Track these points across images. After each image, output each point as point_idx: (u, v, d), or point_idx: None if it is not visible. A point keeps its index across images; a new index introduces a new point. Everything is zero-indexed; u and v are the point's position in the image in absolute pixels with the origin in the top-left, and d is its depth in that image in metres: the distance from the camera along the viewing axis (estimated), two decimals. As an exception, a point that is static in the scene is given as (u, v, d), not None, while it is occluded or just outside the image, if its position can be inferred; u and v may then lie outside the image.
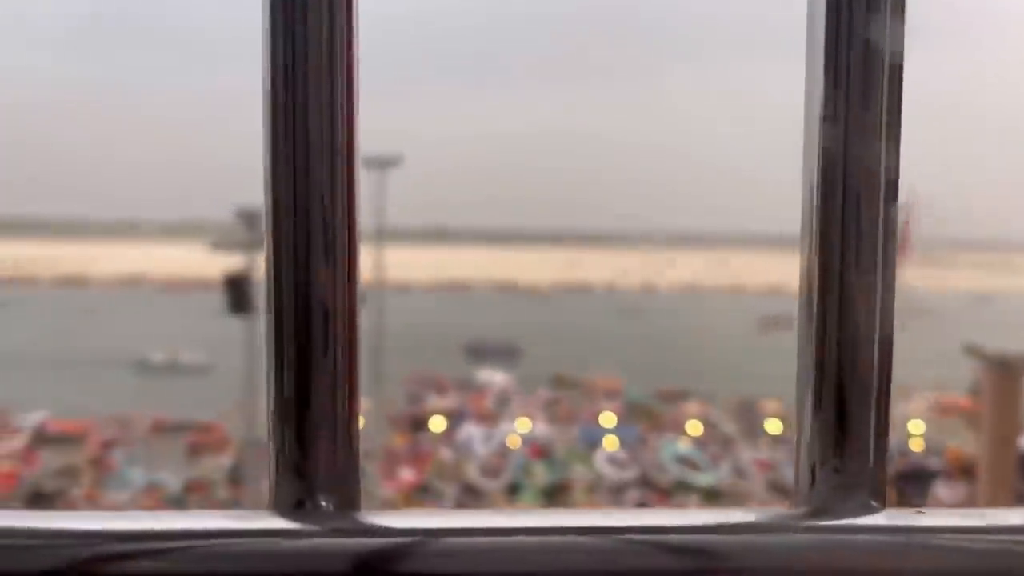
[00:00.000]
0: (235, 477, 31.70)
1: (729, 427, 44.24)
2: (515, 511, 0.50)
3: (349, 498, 0.52)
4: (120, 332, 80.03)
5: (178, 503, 28.90)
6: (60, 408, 42.61)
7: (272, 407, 0.51)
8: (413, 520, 0.51)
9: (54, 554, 0.47)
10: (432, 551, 0.48)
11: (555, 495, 32.90)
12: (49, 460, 35.28)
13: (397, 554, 0.48)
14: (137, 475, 34.03)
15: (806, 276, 0.53)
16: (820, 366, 0.58)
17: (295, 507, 0.51)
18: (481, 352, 69.82)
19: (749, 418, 44.96)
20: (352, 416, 0.52)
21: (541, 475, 35.22)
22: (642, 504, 29.96)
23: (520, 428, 42.32)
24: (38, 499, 30.82)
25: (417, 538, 0.49)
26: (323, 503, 0.51)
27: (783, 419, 44.07)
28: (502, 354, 68.58)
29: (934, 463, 28.98)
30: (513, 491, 33.72)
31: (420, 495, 32.03)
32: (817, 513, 0.57)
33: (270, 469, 0.52)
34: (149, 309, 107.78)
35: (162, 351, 60.68)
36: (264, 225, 0.50)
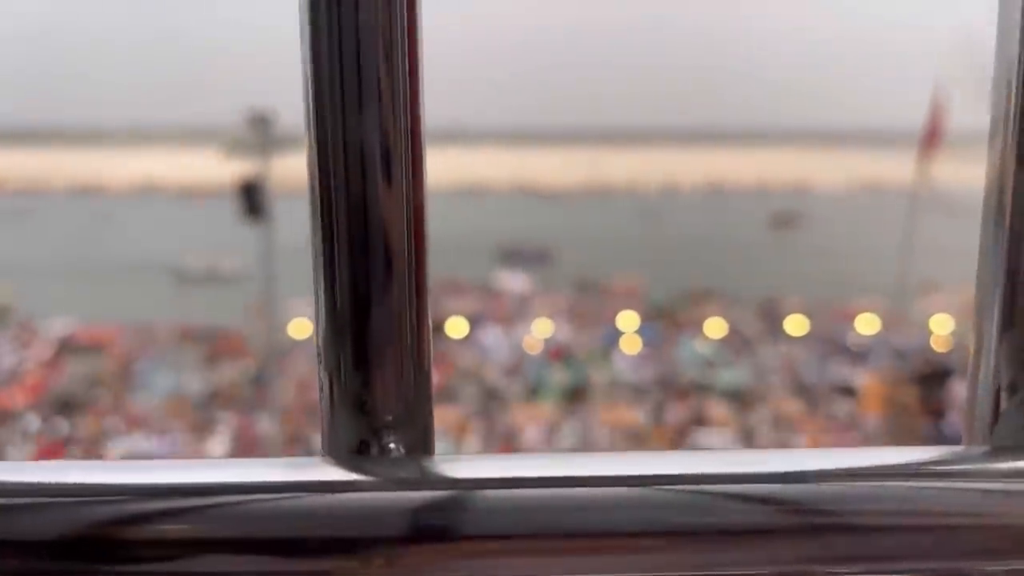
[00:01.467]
0: (260, 382, 32.42)
1: (751, 326, 44.44)
2: (589, 456, 0.43)
3: (422, 438, 0.45)
4: (149, 239, 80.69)
5: (204, 408, 29.68)
6: (96, 317, 43.41)
7: (322, 326, 0.43)
8: (492, 466, 0.43)
9: (69, 515, 0.40)
10: (516, 504, 0.41)
11: (575, 397, 33.42)
12: (75, 368, 36.16)
13: (477, 510, 0.41)
14: (162, 381, 34.87)
15: (997, 171, 0.46)
16: (1011, 275, 0.47)
17: (356, 451, 0.44)
18: (512, 256, 70.00)
19: (771, 317, 45.04)
20: (422, 333, 0.45)
21: (561, 377, 35.71)
22: (662, 403, 30.39)
23: (540, 331, 42.72)
24: (64, 407, 31.77)
25: (500, 490, 0.42)
26: (390, 445, 0.44)
27: (806, 318, 44.17)
28: (533, 258, 68.73)
29: (956, 362, 29.10)
30: (533, 393, 34.28)
31: (441, 398, 32.68)
32: (1001, 453, 0.47)
33: (322, 403, 0.44)
34: (171, 215, 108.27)
35: (199, 258, 60.89)
36: (306, 126, 0.41)
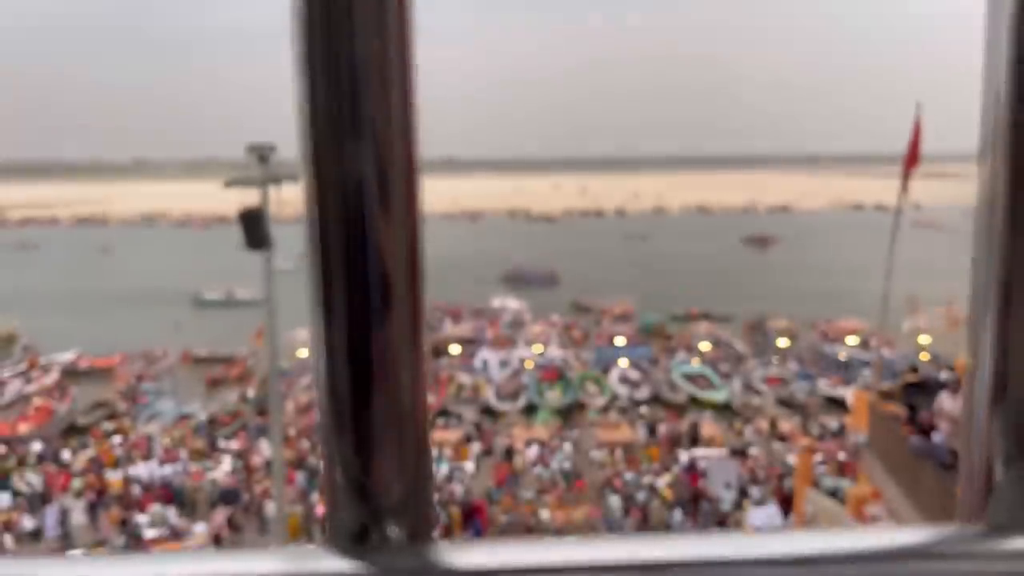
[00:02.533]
0: (261, 408, 32.28)
1: (741, 344, 44.52)
2: (595, 541, 0.41)
3: (423, 523, 0.42)
4: (158, 268, 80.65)
5: (207, 433, 29.50)
6: (102, 345, 43.28)
7: (323, 408, 0.41)
8: (494, 554, 0.41)
9: None
10: None
11: (570, 415, 33.32)
12: (80, 395, 35.96)
13: None
14: (167, 407, 34.71)
15: (988, 188, 0.42)
16: (1002, 339, 0.43)
17: (357, 538, 0.41)
18: (519, 279, 70.30)
19: (760, 335, 45.13)
20: (421, 414, 0.42)
21: (556, 396, 35.66)
22: (655, 421, 30.28)
23: (536, 352, 42.73)
24: (71, 432, 31.55)
25: None
26: (391, 532, 0.41)
27: (791, 336, 44.28)
28: (541, 281, 68.94)
29: (943, 375, 29.08)
30: (529, 412, 34.19)
31: (440, 418, 32.53)
32: (997, 532, 0.43)
33: (325, 489, 0.42)
34: (179, 244, 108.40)
35: (216, 287, 60.59)
36: (303, 164, 0.41)
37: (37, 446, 27.69)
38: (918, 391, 13.06)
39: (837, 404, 34.05)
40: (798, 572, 0.40)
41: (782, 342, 43.53)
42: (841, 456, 22.64)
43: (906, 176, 13.80)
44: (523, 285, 67.98)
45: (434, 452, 25.60)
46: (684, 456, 25.47)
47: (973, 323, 0.43)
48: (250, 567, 0.39)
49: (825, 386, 36.84)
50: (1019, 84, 0.41)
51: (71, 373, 40.43)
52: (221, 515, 20.13)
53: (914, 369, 15.17)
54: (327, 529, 0.42)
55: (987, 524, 0.43)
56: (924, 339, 40.50)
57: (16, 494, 21.69)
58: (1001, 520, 0.43)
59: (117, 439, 28.92)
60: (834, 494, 19.12)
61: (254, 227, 13.35)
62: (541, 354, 42.32)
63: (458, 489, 22.19)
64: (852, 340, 42.21)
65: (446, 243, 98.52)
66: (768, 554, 0.40)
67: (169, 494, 21.72)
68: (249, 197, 14.13)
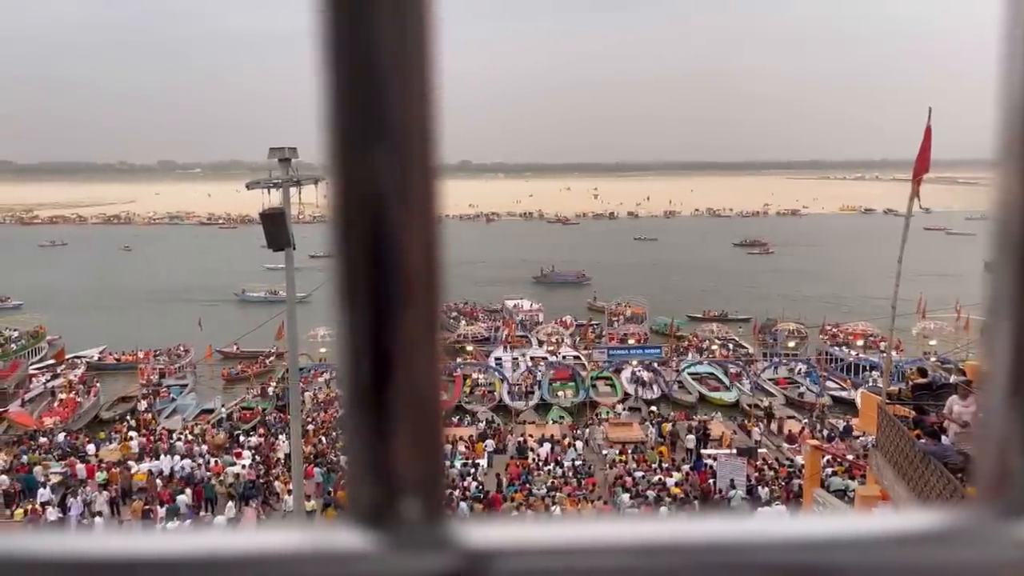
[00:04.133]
0: (281, 405, 32.40)
1: (750, 346, 44.26)
2: (608, 520, 0.42)
3: (435, 502, 0.43)
4: (210, 268, 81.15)
5: (228, 429, 29.61)
6: (129, 341, 43.51)
7: (346, 393, 0.43)
8: (506, 532, 0.42)
9: None
10: (534, 570, 0.40)
11: (581, 413, 33.24)
12: (105, 390, 36.19)
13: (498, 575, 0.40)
14: (190, 403, 34.91)
15: (1005, 197, 0.42)
16: (1020, 327, 0.42)
17: (375, 514, 0.43)
18: (549, 281, 70.45)
19: (770, 337, 44.86)
20: (434, 396, 0.43)
21: (568, 395, 35.59)
22: (662, 420, 30.15)
23: (550, 352, 42.66)
24: (96, 425, 31.77)
25: (515, 558, 0.41)
26: (408, 509, 0.43)
27: (800, 337, 43.99)
28: (571, 282, 69.05)
29: (952, 378, 28.81)
30: (542, 410, 34.15)
31: (454, 415, 32.52)
32: (1012, 517, 0.43)
33: (348, 468, 0.44)
34: (206, 243, 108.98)
35: (258, 285, 61.02)
36: (327, 167, 0.41)
37: (61, 439, 27.89)
38: (927, 393, 12.91)
39: (846, 405, 33.79)
40: (808, 554, 0.40)
41: (792, 344, 43.25)
42: (849, 457, 22.46)
43: (916, 181, 13.66)
44: (554, 285, 68.46)
45: (448, 448, 25.58)
46: (695, 456, 25.35)
47: (990, 320, 0.43)
48: (273, 541, 0.41)
49: (834, 387, 36.58)
50: None
51: (96, 368, 40.75)
52: (251, 513, 20.19)
53: (923, 372, 15.00)
54: (348, 506, 0.44)
55: (1002, 509, 0.43)
56: (933, 342, 40.14)
57: (42, 486, 21.84)
58: (1016, 506, 0.42)
59: (140, 432, 29.07)
60: (842, 494, 18.97)
61: (275, 227, 13.37)
62: (554, 353, 42.29)
63: (472, 485, 22.17)
64: (861, 343, 41.90)
65: (463, 244, 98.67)
66: (778, 536, 0.41)
67: (199, 489, 21.80)
68: (271, 199, 14.17)
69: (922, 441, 11.02)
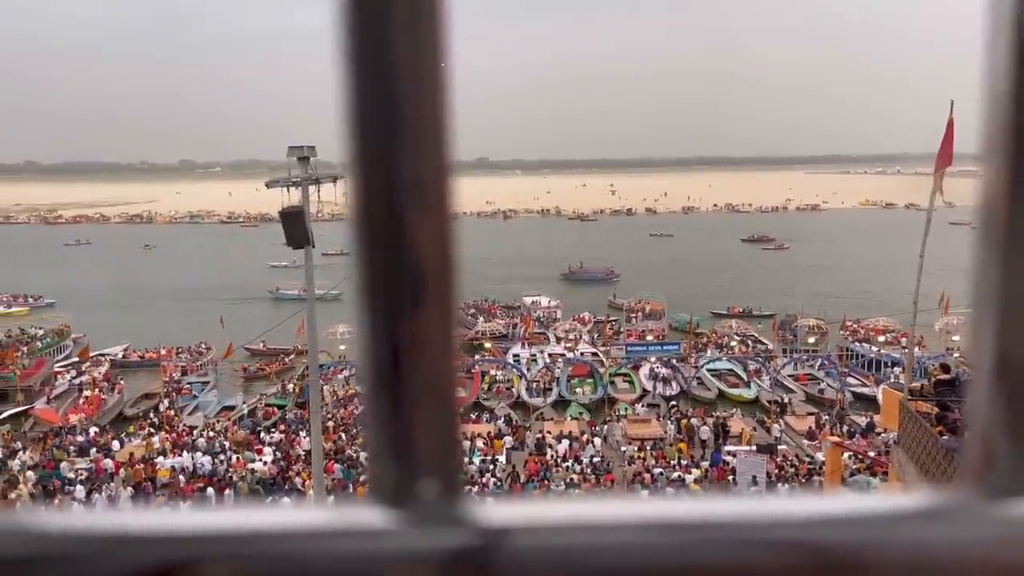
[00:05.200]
0: (301, 402, 32.63)
1: (770, 342, 43.98)
2: (623, 500, 0.43)
3: (452, 482, 0.44)
4: (219, 265, 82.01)
5: (249, 426, 29.85)
6: (154, 339, 43.94)
7: (367, 378, 0.44)
8: (522, 510, 0.43)
9: (104, 566, 0.39)
10: (551, 547, 0.41)
11: (600, 410, 33.20)
12: (129, 387, 36.58)
13: (510, 554, 0.41)
14: (212, 400, 35.24)
15: (990, 190, 0.43)
16: (1006, 310, 0.44)
17: (395, 492, 0.44)
18: (577, 278, 70.53)
19: (790, 333, 44.55)
20: (451, 381, 0.44)
21: (586, 392, 35.55)
22: (681, 417, 30.03)
23: (568, 348, 42.65)
24: (120, 421, 32.15)
25: (533, 536, 0.42)
26: (425, 487, 0.44)
27: (821, 333, 43.63)
28: (599, 280, 69.09)
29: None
30: (560, 406, 34.14)
31: (473, 412, 32.59)
32: (996, 497, 0.43)
33: (368, 449, 0.45)
34: (236, 242, 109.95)
35: (295, 284, 61.65)
36: (346, 166, 0.42)
37: (86, 435, 28.25)
38: (949, 389, 12.77)
39: (867, 402, 33.51)
40: (804, 531, 0.41)
41: (812, 340, 42.93)
42: (871, 454, 22.28)
43: (939, 174, 13.51)
44: (582, 283, 68.58)
45: (467, 444, 25.64)
46: (714, 452, 25.25)
47: (975, 309, 0.44)
48: (297, 518, 0.42)
49: (855, 384, 36.29)
50: (1019, 85, 0.41)
51: (120, 366, 41.21)
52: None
53: (946, 368, 14.84)
54: (368, 484, 0.45)
55: (987, 489, 0.44)
56: (956, 338, 39.70)
57: (70, 483, 22.15)
58: (1000, 486, 0.43)
59: (162, 429, 29.38)
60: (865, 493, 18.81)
61: (294, 226, 13.47)
62: (572, 350, 42.25)
63: (491, 481, 22.23)
64: (882, 338, 41.53)
65: (480, 241, 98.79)
66: (776, 514, 0.42)
67: (222, 485, 22.00)
68: (290, 197, 14.27)
69: (945, 438, 10.91)
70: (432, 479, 0.44)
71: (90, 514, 0.40)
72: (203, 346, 42.50)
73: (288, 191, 14.30)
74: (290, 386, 36.08)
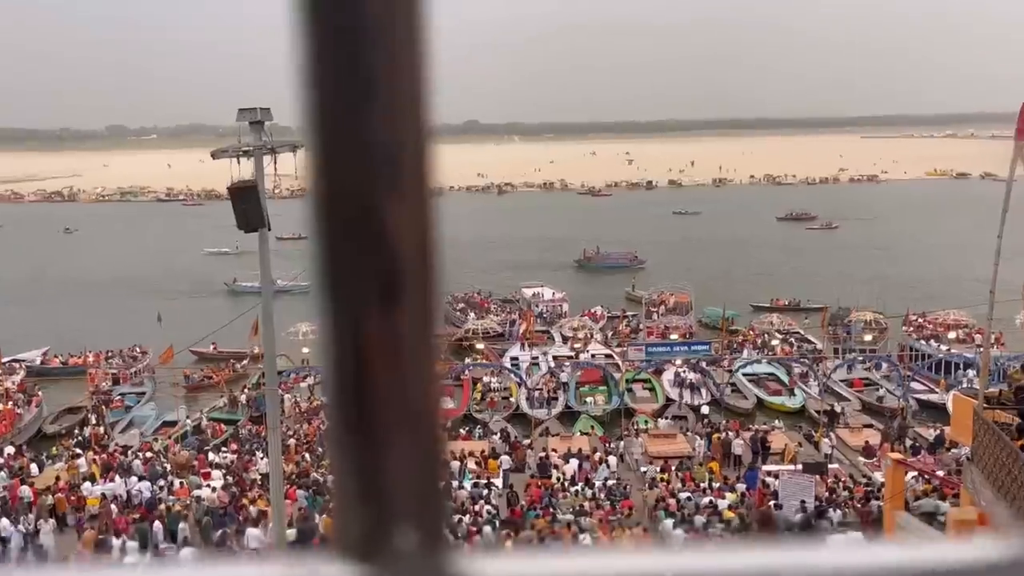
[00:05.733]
0: (256, 416, 32.63)
1: (818, 341, 44.06)
2: (614, 552, 0.42)
3: (434, 531, 0.43)
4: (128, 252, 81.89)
5: (195, 445, 29.85)
6: (78, 342, 43.88)
7: (331, 404, 0.42)
8: (516, 565, 0.42)
9: None
10: None
11: (615, 423, 33.25)
12: (49, 399, 36.53)
13: None
14: (150, 414, 35.22)
15: None
16: None
17: (366, 544, 0.42)
18: (594, 265, 70.49)
19: (841, 330, 44.63)
20: (434, 397, 0.43)
21: (599, 402, 35.62)
22: (713, 430, 30.14)
23: (577, 349, 42.70)
24: (40, 441, 32.11)
25: None
26: (402, 538, 0.42)
27: (880, 330, 43.71)
28: (620, 267, 69.09)
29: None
30: (568, 419, 34.19)
31: (462, 426, 32.63)
32: None
33: (334, 491, 0.44)
34: (178, 224, 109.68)
35: (252, 274, 61.74)
36: (303, 133, 0.41)
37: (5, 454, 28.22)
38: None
39: (935, 411, 33.59)
40: None
41: (868, 337, 43.02)
42: (940, 473, 22.34)
43: (1021, 139, 13.52)
44: (600, 271, 68.61)
45: (456, 465, 25.70)
46: (751, 473, 25.33)
47: None
48: (253, 574, 0.41)
49: (920, 390, 36.37)
50: None
51: (38, 374, 41.14)
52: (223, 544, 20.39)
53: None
54: (335, 534, 0.44)
55: None
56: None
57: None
58: None
59: (91, 450, 29.35)
60: (931, 518, 18.90)
61: (246, 204, 13.41)
62: (581, 351, 42.29)
63: (485, 509, 22.27)
64: (953, 335, 41.59)
65: (470, 221, 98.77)
66: (847, 568, 0.39)
67: (163, 517, 22.00)
68: (241, 170, 14.23)
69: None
70: (410, 527, 0.43)
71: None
72: (138, 350, 42.48)
73: (239, 162, 14.25)
74: (243, 397, 36.10)
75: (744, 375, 37.74)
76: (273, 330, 14.68)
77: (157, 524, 21.51)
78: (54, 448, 30.22)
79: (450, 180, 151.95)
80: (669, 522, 21.04)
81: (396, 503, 0.42)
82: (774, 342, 43.70)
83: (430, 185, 0.42)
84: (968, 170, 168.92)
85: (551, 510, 22.55)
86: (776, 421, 32.57)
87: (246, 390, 36.92)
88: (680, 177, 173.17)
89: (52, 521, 21.89)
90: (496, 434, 31.35)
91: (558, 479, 25.68)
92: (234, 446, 29.78)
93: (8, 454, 28.74)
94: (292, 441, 29.00)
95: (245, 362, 41.68)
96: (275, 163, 14.21)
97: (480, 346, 43.24)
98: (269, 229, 13.97)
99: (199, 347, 40.81)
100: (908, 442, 29.10)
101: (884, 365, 39.30)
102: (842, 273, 66.39)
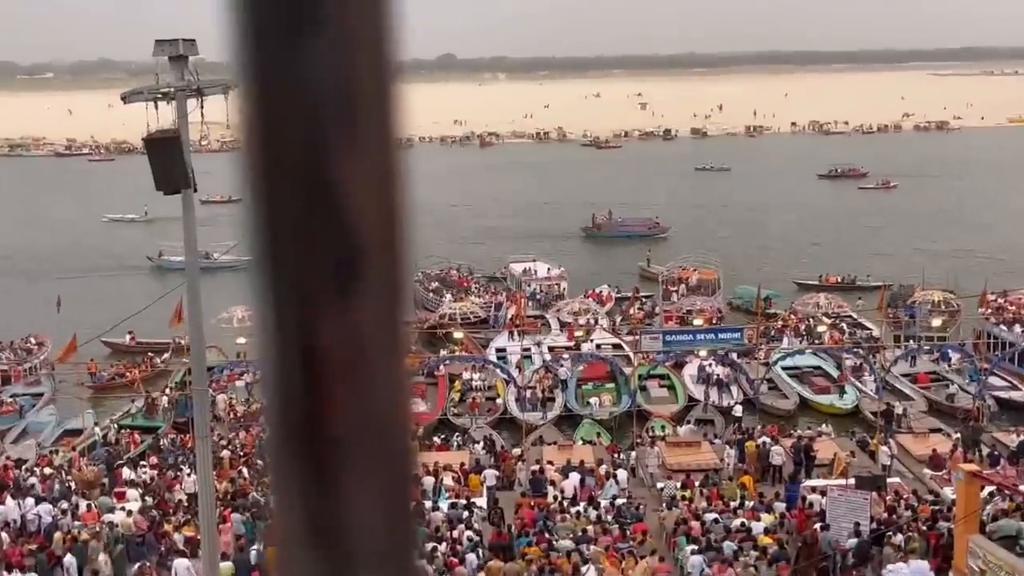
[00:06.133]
0: (181, 423, 32.57)
1: (874, 326, 44.12)
2: None
3: (404, 571, 0.42)
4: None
5: (104, 458, 29.81)
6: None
7: (272, 420, 0.40)
8: None
9: None
10: None
11: (626, 429, 33.33)
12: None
13: None
14: (46, 419, 35.08)
15: None
16: None
17: None
18: (607, 233, 70.32)
19: (902, 313, 44.77)
20: (403, 420, 0.42)
21: (606, 403, 35.65)
22: (746, 437, 30.21)
23: (579, 339, 42.68)
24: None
25: None
26: None
27: (950, 314, 43.83)
28: (638, 236, 68.95)
29: None
30: (570, 424, 34.23)
31: (437, 433, 32.66)
32: None
33: (274, 531, 0.42)
34: (83, 183, 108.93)
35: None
36: (236, 70, 0.39)
37: None
38: None
39: (1018, 412, 33.80)
40: None
41: (936, 322, 43.18)
42: (1023, 488, 22.49)
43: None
44: (614, 241, 68.54)
45: (429, 482, 25.75)
46: (792, 489, 25.47)
47: None
48: None
49: (1000, 386, 36.53)
50: None
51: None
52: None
53: None
54: None
55: None
56: None
57: None
58: None
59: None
60: (1013, 543, 19.04)
61: (166, 159, 13.35)
62: (584, 341, 42.30)
63: (465, 536, 22.37)
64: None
65: (445, 179, 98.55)
66: None
67: (67, 547, 21.99)
68: (160, 117, 14.16)
69: None
70: (374, 572, 0.41)
71: None
72: (33, 341, 42.30)
73: (156, 107, 14.18)
74: (164, 399, 36.03)
75: (784, 369, 37.86)
76: (200, 315, 14.66)
77: (69, 558, 21.50)
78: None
79: (420, 129, 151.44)
80: (691, 549, 21.17)
81: (356, 543, 0.41)
82: (820, 328, 43.80)
83: (394, 136, 0.40)
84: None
85: (547, 536, 22.65)
86: (823, 425, 32.69)
87: (168, 390, 36.85)
88: (705, 125, 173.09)
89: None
90: (479, 443, 31.39)
91: (555, 498, 25.77)
92: (154, 460, 29.73)
93: None
94: (226, 453, 28.98)
95: (167, 356, 41.55)
96: (202, 108, 14.14)
97: (459, 335, 43.18)
98: (195, 190, 13.93)
99: (112, 337, 40.59)
100: (985, 450, 29.29)
101: (955, 356, 39.43)
102: (904, 244, 66.60)
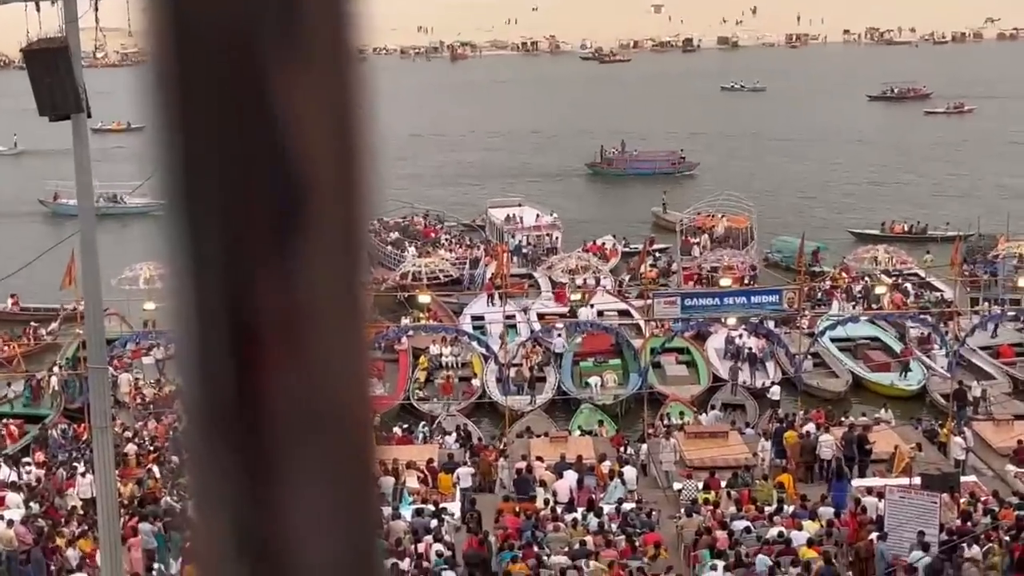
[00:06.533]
0: (75, 410, 32.52)
1: (944, 287, 44.08)
2: None
3: None
4: None
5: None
6: None
7: (192, 408, 0.40)
8: None
9: None
10: None
11: (634, 417, 33.44)
12: None
13: None
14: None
15: None
16: None
17: None
18: (617, 170, 69.98)
19: (980, 270, 44.87)
20: (360, 415, 0.42)
21: (609, 383, 35.68)
22: (787, 425, 30.32)
23: (575, 305, 42.66)
24: None
25: None
26: None
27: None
28: (658, 173, 68.60)
29: None
30: (561, 411, 34.31)
31: (398, 421, 32.71)
32: None
33: (201, 539, 0.42)
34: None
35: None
36: None
37: None
38: None
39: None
40: None
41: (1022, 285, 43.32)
42: None
43: None
44: (626, 179, 68.37)
45: (389, 482, 25.78)
46: (840, 491, 25.60)
47: None
48: None
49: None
50: None
51: None
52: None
53: None
54: None
55: None
56: None
57: None
58: None
59: None
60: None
61: (52, 76, 13.26)
62: (586, 310, 42.29)
63: (434, 550, 22.46)
64: None
65: (409, 103, 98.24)
66: None
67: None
68: (42, 23, 14.03)
69: None
70: None
71: None
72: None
73: (38, 9, 14.05)
74: (53, 380, 35.98)
75: (833, 340, 37.99)
76: (98, 274, 14.59)
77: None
78: None
79: (378, 38, 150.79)
80: (718, 565, 21.29)
81: (298, 558, 0.40)
82: (879, 290, 43.86)
83: (347, 46, 0.39)
84: None
85: (535, 549, 22.75)
86: (882, 410, 32.85)
87: (57, 369, 36.77)
88: (735, 33, 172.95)
89: None
90: (450, 434, 31.48)
91: (546, 502, 25.87)
92: (40, 456, 29.70)
93: None
94: (132, 448, 28.98)
95: (55, 325, 41.42)
96: (96, 10, 14.03)
97: (425, 299, 43.07)
98: (89, 115, 13.83)
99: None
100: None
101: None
102: (984, 183, 66.73)
